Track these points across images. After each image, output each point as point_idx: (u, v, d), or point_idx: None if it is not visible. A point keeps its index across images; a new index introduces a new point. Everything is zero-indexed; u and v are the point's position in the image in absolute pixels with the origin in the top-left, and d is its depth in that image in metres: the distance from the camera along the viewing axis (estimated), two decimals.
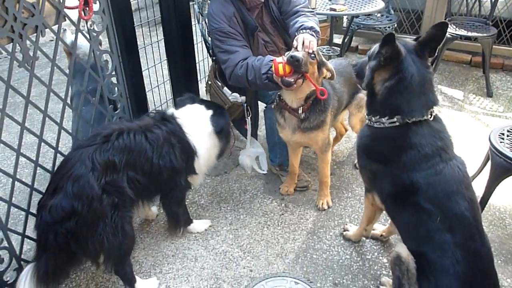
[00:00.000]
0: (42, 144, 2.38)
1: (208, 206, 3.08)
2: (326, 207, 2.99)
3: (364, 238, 2.72)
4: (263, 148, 3.18)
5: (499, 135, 2.63)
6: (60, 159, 2.37)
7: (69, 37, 2.92)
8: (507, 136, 2.63)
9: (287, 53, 2.59)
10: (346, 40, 5.26)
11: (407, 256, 1.87)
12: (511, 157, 2.41)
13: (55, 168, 2.30)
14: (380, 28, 4.82)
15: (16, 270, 2.31)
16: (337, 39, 5.57)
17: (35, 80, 2.22)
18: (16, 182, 2.27)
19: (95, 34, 2.54)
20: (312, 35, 2.62)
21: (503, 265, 2.52)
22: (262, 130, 3.37)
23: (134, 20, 2.92)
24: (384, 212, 2.32)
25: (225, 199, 3.15)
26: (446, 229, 1.80)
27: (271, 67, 2.50)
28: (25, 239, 2.41)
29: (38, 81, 2.26)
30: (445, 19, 4.75)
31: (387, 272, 2.48)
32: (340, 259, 2.60)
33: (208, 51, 3.47)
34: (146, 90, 3.27)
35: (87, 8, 2.38)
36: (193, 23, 3.46)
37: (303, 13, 2.87)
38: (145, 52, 3.52)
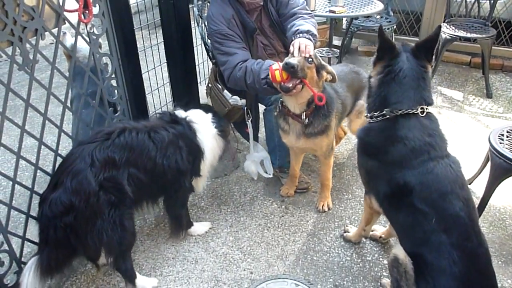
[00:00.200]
0: (42, 147, 2.38)
1: (208, 208, 3.08)
2: (326, 209, 2.99)
3: (364, 240, 2.72)
4: (266, 152, 3.18)
5: (499, 136, 2.63)
6: (60, 161, 2.38)
7: (69, 40, 2.92)
8: (507, 137, 2.63)
9: (290, 50, 2.60)
10: (345, 42, 5.27)
11: (405, 257, 1.87)
12: (511, 158, 2.42)
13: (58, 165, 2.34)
14: None
15: (16, 273, 2.31)
16: (337, 41, 5.57)
17: (35, 83, 2.22)
18: (16, 185, 2.27)
19: (94, 37, 2.54)
20: (309, 38, 2.61)
21: (503, 266, 2.52)
22: (262, 132, 3.37)
23: (134, 23, 2.93)
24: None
25: (225, 201, 3.15)
26: (442, 230, 1.80)
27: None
28: (25, 242, 2.41)
29: (38, 84, 2.27)
30: (444, 21, 4.76)
31: (387, 273, 2.47)
32: (341, 261, 2.60)
33: (207, 54, 3.48)
34: (146, 92, 3.28)
35: (87, 11, 2.39)
36: (192, 26, 3.46)
37: (301, 15, 2.86)
38: (145, 55, 3.53)
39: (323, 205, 3.00)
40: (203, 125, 2.63)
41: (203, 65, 4.28)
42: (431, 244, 1.82)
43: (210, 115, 2.73)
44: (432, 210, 1.84)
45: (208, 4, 3.40)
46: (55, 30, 2.33)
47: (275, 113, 2.83)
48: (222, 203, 3.13)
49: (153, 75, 3.76)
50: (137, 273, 2.42)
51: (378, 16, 5.04)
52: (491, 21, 4.60)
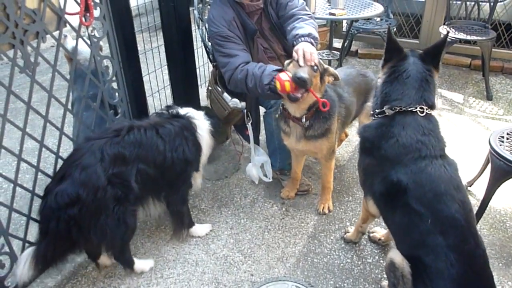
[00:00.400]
0: (43, 149, 2.38)
1: (209, 210, 3.08)
2: (327, 211, 2.99)
3: (365, 242, 2.72)
4: (267, 155, 3.18)
5: (499, 138, 2.63)
6: (61, 164, 2.38)
7: (70, 43, 2.93)
8: (507, 139, 2.63)
9: (287, 61, 2.58)
10: (345, 45, 5.28)
11: (401, 261, 1.87)
12: (511, 160, 2.42)
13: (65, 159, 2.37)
14: (379, 32, 4.83)
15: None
16: (337, 43, 5.58)
17: (36, 86, 2.23)
18: (17, 188, 2.28)
19: (95, 39, 2.55)
20: (311, 42, 2.59)
21: (504, 268, 2.51)
22: (263, 135, 3.38)
23: (135, 25, 2.93)
24: None
25: (225, 203, 3.15)
26: (438, 232, 1.80)
27: (274, 77, 2.50)
28: (26, 244, 2.41)
29: (39, 86, 2.27)
30: (444, 23, 4.77)
31: None
32: (341, 263, 2.60)
33: (208, 56, 3.49)
34: (147, 95, 3.28)
35: (88, 14, 2.40)
36: (193, 28, 3.47)
37: (299, 16, 2.83)
38: (146, 58, 3.54)
39: (323, 207, 3.00)
40: (202, 121, 2.69)
41: (204, 68, 4.29)
42: (427, 246, 1.82)
43: (202, 113, 2.79)
44: (427, 211, 1.84)
45: (209, 6, 3.42)
46: (56, 33, 2.34)
47: (276, 116, 2.83)
48: (223, 205, 3.13)
49: (153, 77, 3.77)
50: (134, 258, 2.50)
51: (378, 19, 5.05)
52: (491, 23, 4.61)
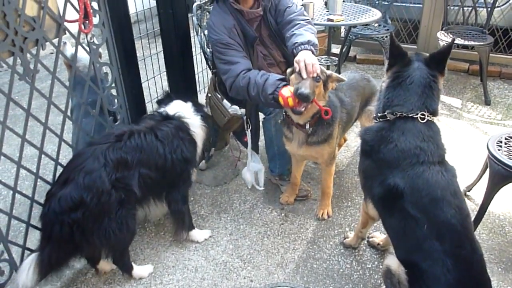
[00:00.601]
0: (43, 156, 2.39)
1: (208, 216, 3.08)
2: (326, 217, 2.99)
3: (364, 247, 2.72)
4: (262, 164, 3.20)
5: (497, 143, 2.64)
6: (60, 170, 2.39)
7: (69, 50, 2.94)
8: (505, 143, 2.64)
9: (289, 70, 2.58)
10: (344, 50, 5.30)
11: (397, 268, 1.88)
12: (509, 165, 2.42)
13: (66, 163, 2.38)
14: (377, 37, 4.85)
15: None
16: (335, 49, 5.60)
17: (36, 93, 2.24)
18: (16, 194, 2.28)
19: (95, 46, 2.57)
20: (311, 50, 2.58)
21: (503, 273, 2.51)
22: (262, 140, 3.39)
23: (134, 32, 2.95)
24: None
25: (225, 209, 3.15)
26: (434, 237, 1.81)
27: (278, 88, 2.53)
28: (26, 251, 2.41)
29: (39, 93, 2.29)
30: (442, 28, 4.79)
31: None
32: (341, 268, 2.60)
33: (207, 63, 3.49)
34: (146, 101, 3.30)
35: (87, 22, 2.42)
36: (192, 35, 3.48)
37: (298, 22, 2.82)
38: (145, 64, 3.55)
39: (323, 212, 3.00)
40: (193, 119, 2.73)
41: (202, 74, 4.30)
42: (424, 251, 1.83)
43: (190, 104, 2.81)
44: (423, 216, 1.85)
45: (207, 13, 3.43)
46: (55, 40, 2.36)
47: (279, 121, 2.84)
48: (222, 211, 3.13)
49: (152, 84, 3.78)
50: (132, 263, 2.51)
51: (376, 24, 5.07)
52: (488, 28, 4.63)
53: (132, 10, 2.98)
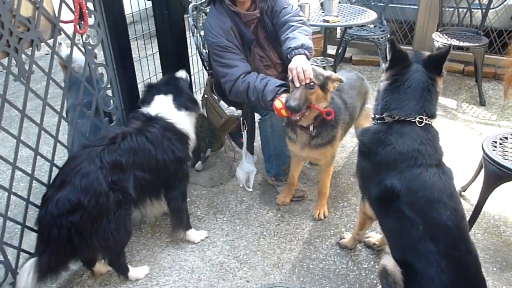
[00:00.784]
0: (38, 157, 2.38)
1: (204, 217, 3.08)
2: (322, 217, 2.99)
3: (360, 247, 2.73)
4: (254, 166, 3.22)
5: (492, 143, 2.65)
6: (55, 172, 2.38)
7: (64, 51, 2.93)
8: (500, 144, 2.65)
9: (289, 75, 2.58)
10: (339, 51, 5.31)
11: (393, 268, 1.89)
12: (504, 165, 2.44)
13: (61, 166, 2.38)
14: (373, 38, 4.87)
15: (11, 285, 2.30)
16: (331, 50, 5.61)
17: (31, 94, 2.23)
18: (12, 196, 2.27)
19: (90, 47, 2.56)
20: (305, 54, 2.56)
21: (498, 272, 2.52)
22: (258, 141, 3.39)
23: (129, 33, 2.94)
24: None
25: (221, 210, 3.15)
26: (429, 238, 1.82)
27: (277, 93, 2.55)
28: (21, 253, 2.40)
29: (34, 94, 2.28)
30: (437, 29, 4.82)
31: None
32: (337, 269, 2.60)
33: (203, 64, 3.49)
34: None
35: (82, 22, 2.41)
36: (187, 35, 3.48)
37: (292, 24, 2.79)
38: (140, 65, 3.54)
39: (319, 213, 3.00)
40: (175, 117, 2.67)
41: (198, 75, 4.30)
42: (419, 252, 1.84)
43: (170, 98, 2.73)
44: (419, 217, 1.86)
45: (203, 14, 3.43)
46: (50, 41, 2.35)
47: (283, 124, 2.83)
48: (218, 212, 3.13)
49: None
50: (128, 265, 2.51)
51: (372, 26, 5.09)
52: (483, 30, 4.66)
53: (127, 11, 2.98)
